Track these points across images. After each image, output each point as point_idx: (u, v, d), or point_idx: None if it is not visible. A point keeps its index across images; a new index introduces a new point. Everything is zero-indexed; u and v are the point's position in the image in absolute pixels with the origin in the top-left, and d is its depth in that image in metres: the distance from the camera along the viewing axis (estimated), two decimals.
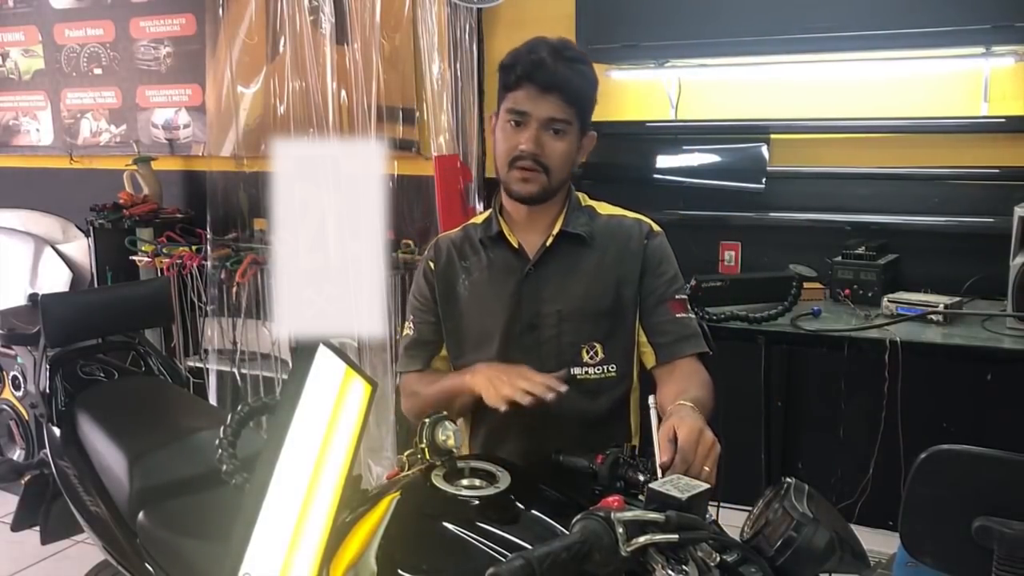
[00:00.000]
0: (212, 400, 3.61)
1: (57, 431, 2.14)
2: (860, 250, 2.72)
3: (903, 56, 2.75)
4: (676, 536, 1.00)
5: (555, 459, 1.45)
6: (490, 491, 1.32)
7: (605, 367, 1.68)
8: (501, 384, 1.50)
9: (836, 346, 2.45)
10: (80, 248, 4.28)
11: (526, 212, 1.70)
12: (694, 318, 1.73)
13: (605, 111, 3.25)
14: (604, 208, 1.78)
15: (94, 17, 4.25)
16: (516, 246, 1.71)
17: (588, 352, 1.67)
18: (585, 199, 1.78)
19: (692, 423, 1.31)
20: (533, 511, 1.32)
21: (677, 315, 1.69)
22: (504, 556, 1.09)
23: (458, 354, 1.76)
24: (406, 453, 1.44)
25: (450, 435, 1.40)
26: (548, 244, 1.69)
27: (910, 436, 2.47)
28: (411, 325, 1.81)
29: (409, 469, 1.42)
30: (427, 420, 1.41)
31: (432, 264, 1.78)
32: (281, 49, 3.31)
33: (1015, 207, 2.43)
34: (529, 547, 1.00)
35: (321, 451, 1.19)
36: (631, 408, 1.74)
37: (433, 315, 1.77)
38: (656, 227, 1.76)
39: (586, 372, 1.67)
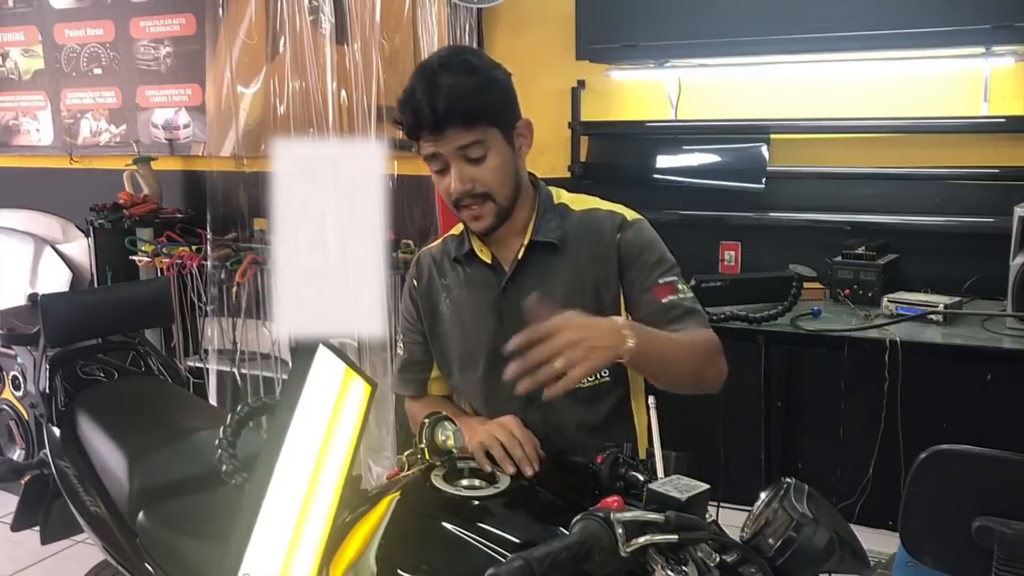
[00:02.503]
0: (212, 400, 3.61)
1: (57, 431, 2.14)
2: (860, 250, 2.72)
3: (903, 56, 2.75)
4: (676, 536, 1.00)
5: (555, 459, 1.45)
6: (490, 491, 1.32)
7: (598, 373, 1.62)
8: (498, 454, 1.43)
9: (836, 346, 2.45)
10: (80, 248, 4.28)
11: None
12: (688, 295, 1.60)
13: (605, 111, 3.29)
14: (578, 203, 1.68)
15: (94, 17, 4.25)
16: (489, 262, 1.66)
17: None
18: (559, 195, 1.70)
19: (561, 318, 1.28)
20: (533, 511, 1.32)
21: (664, 300, 1.58)
22: (504, 556, 1.10)
23: (448, 373, 1.74)
24: (406, 453, 1.44)
25: (450, 435, 1.40)
26: (520, 256, 1.63)
27: (910, 436, 2.47)
28: (402, 345, 1.78)
29: (409, 469, 1.42)
30: (427, 420, 1.41)
31: (415, 282, 1.74)
32: (281, 49, 3.31)
33: (1015, 207, 2.43)
34: (529, 547, 1.00)
35: (321, 451, 1.19)
36: (633, 408, 1.71)
37: (420, 334, 1.75)
38: (631, 216, 1.65)
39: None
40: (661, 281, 1.59)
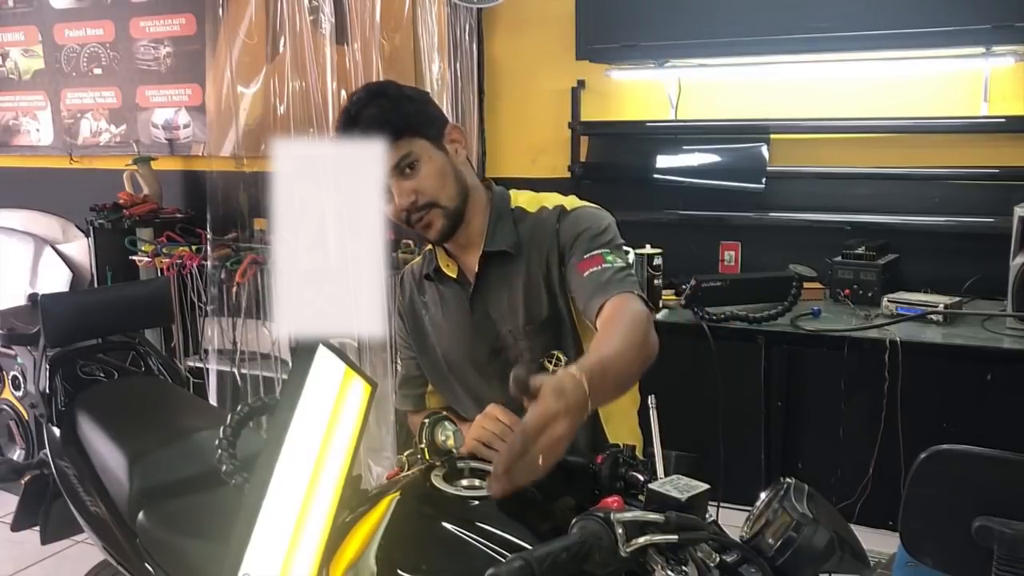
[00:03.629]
0: (212, 400, 3.61)
1: (57, 431, 2.14)
2: (860, 250, 2.72)
3: (903, 56, 2.75)
4: (676, 536, 0.99)
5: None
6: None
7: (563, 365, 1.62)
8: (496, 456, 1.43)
9: (836, 346, 2.45)
10: (80, 248, 4.28)
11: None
12: (616, 264, 1.53)
13: (605, 111, 3.29)
14: (533, 204, 1.67)
15: (94, 17, 4.25)
16: (455, 276, 1.67)
17: (551, 361, 1.63)
18: (516, 198, 1.69)
19: (548, 406, 1.13)
20: (533, 511, 1.32)
21: (586, 272, 1.52)
22: (504, 556, 1.09)
23: (438, 386, 1.76)
24: (406, 453, 1.44)
25: (450, 435, 1.40)
26: (477, 270, 1.64)
27: (910, 436, 2.47)
28: (399, 360, 1.82)
29: (409, 469, 1.42)
30: (427, 420, 1.41)
31: (400, 299, 1.79)
32: (281, 49, 3.31)
33: (1015, 207, 2.43)
34: (529, 547, 1.00)
35: (321, 451, 1.19)
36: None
37: (411, 349, 1.78)
38: (572, 204, 1.64)
39: None
40: (586, 256, 1.55)
